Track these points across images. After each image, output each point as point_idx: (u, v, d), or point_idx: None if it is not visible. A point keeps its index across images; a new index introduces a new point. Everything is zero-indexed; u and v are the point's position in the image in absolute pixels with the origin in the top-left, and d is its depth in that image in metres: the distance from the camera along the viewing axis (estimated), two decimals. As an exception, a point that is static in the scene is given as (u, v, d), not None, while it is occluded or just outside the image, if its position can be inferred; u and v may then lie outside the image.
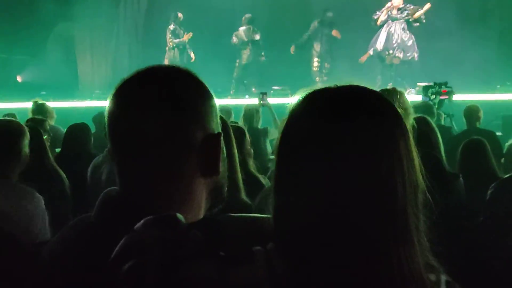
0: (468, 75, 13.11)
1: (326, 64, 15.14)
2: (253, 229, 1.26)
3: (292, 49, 15.14)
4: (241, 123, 7.05)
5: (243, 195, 2.99)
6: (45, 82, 15.22)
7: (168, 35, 15.28)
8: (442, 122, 8.51)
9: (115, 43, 16.66)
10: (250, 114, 7.49)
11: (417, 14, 14.02)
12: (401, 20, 14.11)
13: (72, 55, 16.78)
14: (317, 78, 14.81)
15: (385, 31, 14.12)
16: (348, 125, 1.14)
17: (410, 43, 14.07)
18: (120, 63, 16.26)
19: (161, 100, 1.33)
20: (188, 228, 1.17)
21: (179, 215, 1.19)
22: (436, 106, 9.13)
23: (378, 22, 14.24)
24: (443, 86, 9.43)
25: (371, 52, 14.40)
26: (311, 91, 1.22)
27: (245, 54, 15.18)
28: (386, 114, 1.18)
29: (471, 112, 7.58)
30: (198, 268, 1.10)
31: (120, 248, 1.13)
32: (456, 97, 9.55)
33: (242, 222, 1.30)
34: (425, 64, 14.28)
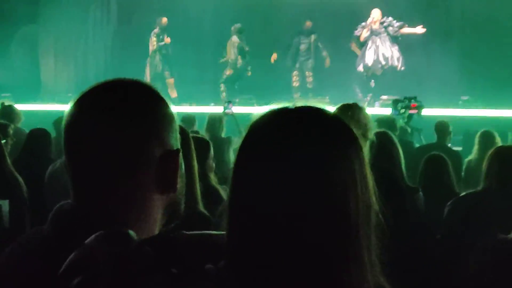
0: (433, 90, 13.28)
1: (308, 78, 15.17)
2: (207, 246, 1.25)
3: (273, 57, 15.11)
4: (204, 132, 7.04)
5: (201, 208, 2.99)
6: (9, 83, 15.02)
7: (153, 38, 15.20)
8: (409, 137, 8.59)
9: (83, 47, 16.51)
10: (213, 122, 7.46)
11: (405, 31, 14.19)
12: (384, 34, 14.26)
13: (37, 57, 16.58)
14: (297, 94, 14.84)
15: (372, 46, 14.25)
16: (301, 144, 1.14)
17: (398, 55, 14.25)
18: (88, 68, 16.11)
19: (118, 114, 1.31)
20: (140, 244, 1.16)
21: (131, 231, 1.18)
22: (406, 120, 9.22)
23: (362, 39, 14.36)
24: (412, 100, 9.53)
25: (361, 68, 14.49)
26: (271, 108, 1.23)
27: (238, 61, 15.14)
28: (340, 134, 1.19)
29: (441, 127, 7.62)
30: (148, 284, 1.09)
31: (69, 263, 1.11)
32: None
33: (195, 238, 1.29)
34: (391, 78, 14.45)
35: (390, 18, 14.35)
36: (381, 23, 14.32)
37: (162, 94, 1.40)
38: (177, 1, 15.86)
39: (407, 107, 9.44)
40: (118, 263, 1.10)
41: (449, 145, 7.64)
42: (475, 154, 6.82)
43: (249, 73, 15.16)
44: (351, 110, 3.65)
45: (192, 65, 15.07)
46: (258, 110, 1.24)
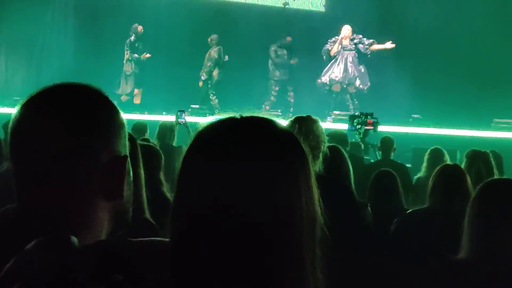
0: (385, 108, 13.46)
1: (289, 92, 15.19)
2: (153, 253, 1.23)
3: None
4: (155, 140, 7.01)
5: (148, 216, 2.96)
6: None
7: (126, 47, 15.05)
8: (362, 152, 8.67)
9: (37, 51, 16.25)
10: (164, 131, 7.44)
11: (375, 47, 14.33)
12: (354, 51, 14.39)
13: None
14: (266, 105, 14.89)
15: (341, 61, 14.37)
16: (245, 153, 1.14)
17: (364, 73, 14.39)
18: (42, 71, 15.84)
19: (64, 118, 1.28)
20: (81, 251, 1.14)
21: (73, 238, 1.15)
22: (361, 136, 9.32)
23: (332, 53, 14.46)
24: (369, 116, 9.65)
25: (325, 80, 14.56)
26: (218, 118, 1.22)
27: (216, 72, 15.08)
28: (285, 146, 1.18)
29: (386, 143, 7.74)
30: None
31: (7, 270, 1.09)
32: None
33: (141, 246, 1.28)
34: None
35: (360, 36, 14.51)
36: (351, 39, 14.46)
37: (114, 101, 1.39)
38: (137, 6, 15.77)
39: (364, 123, 9.57)
40: (58, 271, 1.07)
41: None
42: (424, 171, 6.91)
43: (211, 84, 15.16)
44: (304, 122, 3.66)
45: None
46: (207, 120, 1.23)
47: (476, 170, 5.25)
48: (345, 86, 14.49)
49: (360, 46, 14.46)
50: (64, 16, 16.50)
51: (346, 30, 14.53)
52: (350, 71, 14.42)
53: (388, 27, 15.17)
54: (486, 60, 14.12)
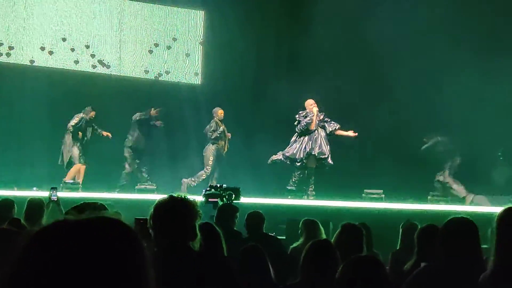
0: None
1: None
2: None
3: None
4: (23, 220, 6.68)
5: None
6: None
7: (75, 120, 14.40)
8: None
9: None
10: (32, 208, 7.10)
11: (340, 132, 14.43)
12: (323, 130, 14.41)
13: None
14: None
15: (310, 138, 14.25)
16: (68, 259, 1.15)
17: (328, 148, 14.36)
18: None
19: None
20: None
21: None
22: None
23: (312, 127, 14.23)
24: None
25: (281, 157, 14.45)
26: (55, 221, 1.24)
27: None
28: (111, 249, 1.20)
29: (253, 219, 7.65)
30: None
31: None
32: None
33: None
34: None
35: (322, 114, 14.50)
36: (322, 118, 14.48)
37: None
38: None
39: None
40: None
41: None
42: (300, 241, 6.97)
43: None
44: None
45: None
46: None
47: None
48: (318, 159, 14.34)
49: (327, 126, 14.49)
50: None
51: (315, 107, 14.44)
52: (316, 145, 14.30)
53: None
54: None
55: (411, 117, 15.09)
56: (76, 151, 14.24)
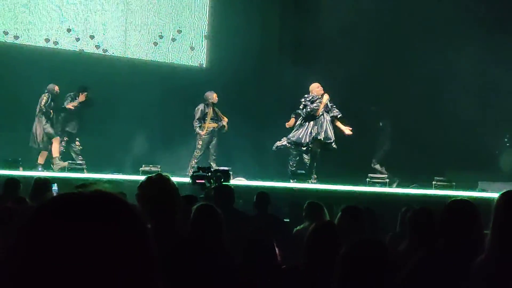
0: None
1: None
2: None
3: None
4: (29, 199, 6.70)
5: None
6: None
7: (43, 100, 14.37)
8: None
9: None
10: (39, 187, 7.10)
11: (337, 123, 14.27)
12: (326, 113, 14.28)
13: None
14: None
15: (316, 123, 14.11)
16: (73, 229, 1.16)
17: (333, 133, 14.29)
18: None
19: None
20: None
21: None
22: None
23: (318, 113, 14.06)
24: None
25: (285, 142, 14.34)
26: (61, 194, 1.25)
27: None
28: (115, 221, 1.21)
29: (262, 199, 7.76)
30: None
31: None
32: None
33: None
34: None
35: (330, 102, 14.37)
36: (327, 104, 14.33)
37: None
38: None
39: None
40: None
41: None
42: (304, 223, 7.00)
43: None
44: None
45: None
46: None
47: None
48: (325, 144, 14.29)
49: (331, 112, 14.37)
50: None
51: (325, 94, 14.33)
52: (323, 129, 14.23)
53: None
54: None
55: (418, 104, 15.07)
56: (50, 128, 14.36)
